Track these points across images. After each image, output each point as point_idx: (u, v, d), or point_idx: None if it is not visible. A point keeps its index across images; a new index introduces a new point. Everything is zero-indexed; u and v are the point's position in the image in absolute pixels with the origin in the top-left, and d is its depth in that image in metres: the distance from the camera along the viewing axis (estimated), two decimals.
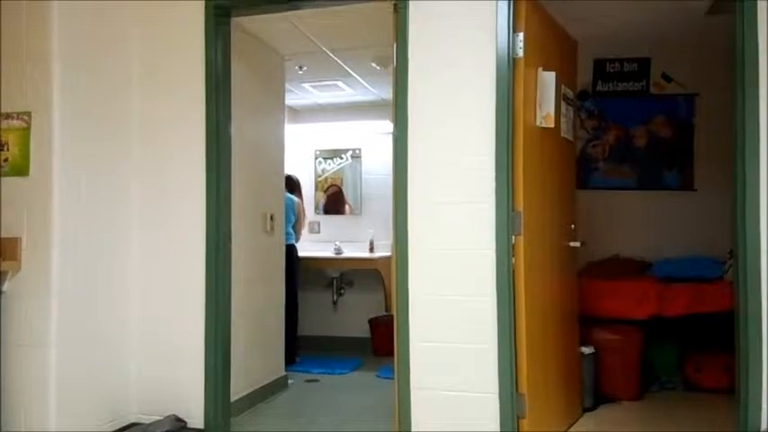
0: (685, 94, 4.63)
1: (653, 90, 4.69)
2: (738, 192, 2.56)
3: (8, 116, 2.86)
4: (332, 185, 5.99)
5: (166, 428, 2.93)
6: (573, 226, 3.51)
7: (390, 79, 3.05)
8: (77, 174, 2.94)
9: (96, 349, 3.03)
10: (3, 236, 2.80)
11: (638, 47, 4.60)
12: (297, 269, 4.85)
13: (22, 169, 2.84)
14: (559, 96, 3.18)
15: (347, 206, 5.93)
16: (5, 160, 2.86)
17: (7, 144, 2.86)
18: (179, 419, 3.05)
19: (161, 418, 3.06)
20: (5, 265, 2.77)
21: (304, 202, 5.36)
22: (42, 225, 2.81)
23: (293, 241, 4.85)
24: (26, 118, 2.84)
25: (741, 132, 2.55)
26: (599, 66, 4.78)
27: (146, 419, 3.11)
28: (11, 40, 2.87)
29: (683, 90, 4.63)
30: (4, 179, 2.85)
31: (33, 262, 2.80)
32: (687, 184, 4.62)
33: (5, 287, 2.78)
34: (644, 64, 4.70)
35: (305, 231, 5.54)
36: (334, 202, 5.97)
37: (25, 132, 2.84)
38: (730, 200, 2.65)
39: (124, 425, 3.14)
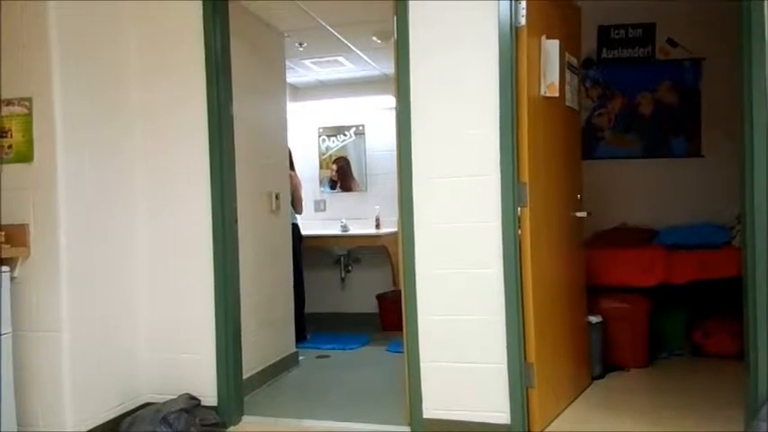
0: (691, 59, 4.56)
1: (658, 56, 4.63)
2: (746, 157, 2.53)
3: (9, 102, 2.85)
4: (339, 158, 5.94)
5: (180, 407, 2.97)
6: (579, 196, 3.49)
7: (392, 53, 3.01)
8: (81, 159, 2.94)
9: (107, 331, 3.06)
10: (11, 223, 2.81)
11: (643, 12, 4.53)
12: (301, 248, 4.86)
13: (26, 156, 2.83)
14: (563, 65, 3.14)
15: (354, 182, 5.91)
16: (9, 147, 2.86)
17: (10, 131, 2.85)
18: (193, 398, 3.09)
19: (175, 397, 3.10)
20: (15, 251, 2.78)
21: (299, 175, 5.24)
22: (48, 211, 2.81)
23: (295, 220, 4.84)
24: (27, 104, 2.83)
25: (748, 97, 2.51)
26: (603, 32, 4.71)
27: (159, 399, 3.15)
28: (9, 27, 2.84)
29: (689, 55, 4.56)
30: (10, 166, 2.85)
31: (42, 248, 2.82)
32: (694, 151, 4.58)
33: (16, 273, 2.81)
34: (649, 29, 4.63)
35: (310, 209, 5.53)
36: (342, 176, 5.94)
37: (27, 118, 2.83)
38: (738, 165, 2.62)
39: (138, 405, 3.18)
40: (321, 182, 5.97)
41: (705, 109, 4.55)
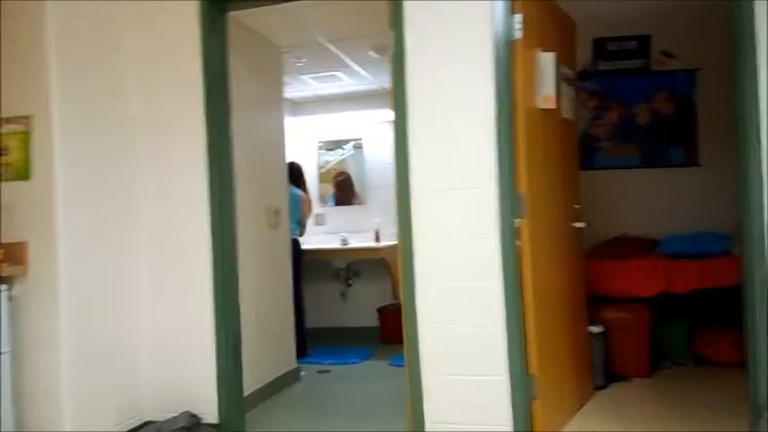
0: (686, 69, 4.59)
1: (654, 67, 4.66)
2: (742, 165, 2.54)
3: (8, 120, 2.87)
4: (340, 173, 5.96)
5: (181, 425, 2.95)
6: (577, 206, 3.50)
7: (389, 67, 3.03)
8: (79, 175, 2.95)
9: (107, 349, 3.04)
10: (9, 241, 2.81)
11: (638, 24, 4.56)
12: (301, 263, 4.86)
13: (23, 173, 2.84)
14: (559, 77, 3.16)
15: (355, 195, 5.91)
16: (8, 165, 2.87)
17: (8, 148, 2.87)
18: (193, 416, 3.07)
19: (176, 415, 3.08)
20: (14, 269, 2.78)
21: (309, 191, 5.30)
22: (47, 228, 2.81)
23: (296, 236, 4.85)
24: (26, 122, 2.85)
25: (742, 106, 2.53)
26: (599, 45, 4.74)
27: (160, 417, 3.13)
28: (8, 44, 2.86)
29: (684, 66, 4.59)
30: (8, 184, 2.86)
31: (40, 266, 2.81)
32: (691, 160, 4.60)
33: (15, 291, 2.80)
34: (644, 41, 4.66)
35: (310, 223, 5.55)
36: (342, 190, 5.95)
37: (26, 136, 2.84)
38: (735, 174, 2.63)
39: (139, 423, 3.16)
40: (321, 197, 5.98)
41: (701, 118, 4.57)
